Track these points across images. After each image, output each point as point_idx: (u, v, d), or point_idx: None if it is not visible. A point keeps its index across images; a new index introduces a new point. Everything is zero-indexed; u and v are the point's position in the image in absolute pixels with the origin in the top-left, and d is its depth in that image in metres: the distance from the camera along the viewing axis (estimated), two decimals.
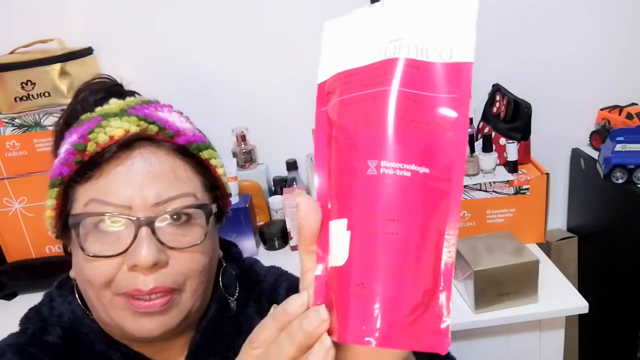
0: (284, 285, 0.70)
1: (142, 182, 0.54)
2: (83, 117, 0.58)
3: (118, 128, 0.54)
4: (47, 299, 0.62)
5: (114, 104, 0.58)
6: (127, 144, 0.55)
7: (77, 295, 0.60)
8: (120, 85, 0.65)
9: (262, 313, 0.65)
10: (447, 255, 0.34)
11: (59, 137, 0.60)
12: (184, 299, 0.56)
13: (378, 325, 0.32)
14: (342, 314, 0.34)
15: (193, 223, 0.57)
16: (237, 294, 0.66)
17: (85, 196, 0.54)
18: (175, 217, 0.55)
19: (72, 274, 0.60)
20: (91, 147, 0.54)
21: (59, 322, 0.59)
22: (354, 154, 0.35)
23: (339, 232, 0.35)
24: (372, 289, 0.33)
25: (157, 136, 0.57)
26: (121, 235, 0.54)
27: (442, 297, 0.34)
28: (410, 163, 0.34)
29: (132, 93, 0.65)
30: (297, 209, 0.37)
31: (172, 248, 0.55)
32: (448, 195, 0.34)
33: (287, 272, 0.73)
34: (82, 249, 0.53)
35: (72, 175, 0.55)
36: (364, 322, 0.33)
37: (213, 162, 0.63)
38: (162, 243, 0.54)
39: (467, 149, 0.38)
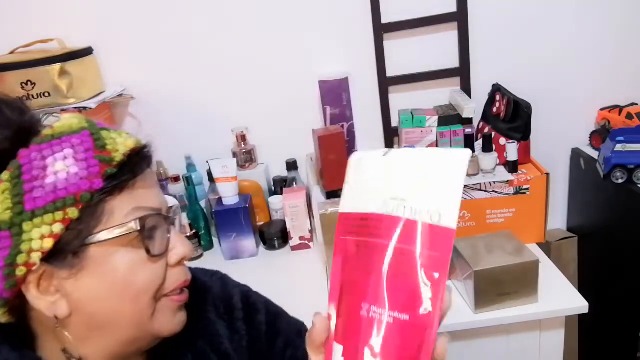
0: (237, 292, 0.74)
1: (157, 187, 0.59)
2: (47, 133, 0.53)
3: (127, 138, 0.55)
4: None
5: (75, 118, 0.55)
6: (139, 153, 0.57)
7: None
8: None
9: (224, 316, 0.70)
10: None
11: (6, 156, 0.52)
12: None
13: None
14: None
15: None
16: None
17: (124, 206, 0.54)
18: None
19: (65, 312, 0.53)
20: (118, 158, 0.53)
21: None
22: (354, 293, 0.45)
23: (337, 354, 0.45)
24: None
25: (145, 149, 0.58)
26: (159, 236, 0.57)
27: None
28: (394, 310, 0.42)
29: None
30: (313, 325, 0.46)
31: None
32: (422, 337, 0.41)
33: (225, 275, 0.77)
34: (148, 251, 0.55)
35: (103, 189, 0.52)
36: None
37: None
38: None
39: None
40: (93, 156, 0.52)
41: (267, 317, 0.73)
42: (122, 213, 0.53)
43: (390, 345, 0.42)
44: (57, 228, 0.50)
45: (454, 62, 1.47)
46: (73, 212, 0.50)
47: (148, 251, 0.54)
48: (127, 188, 0.54)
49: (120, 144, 0.54)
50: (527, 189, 1.20)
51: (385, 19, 1.42)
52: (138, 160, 0.55)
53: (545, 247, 1.36)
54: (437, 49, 1.46)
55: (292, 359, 0.71)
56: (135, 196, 0.54)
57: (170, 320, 0.59)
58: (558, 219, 1.64)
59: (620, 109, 1.43)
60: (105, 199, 0.52)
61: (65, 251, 0.51)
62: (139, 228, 0.53)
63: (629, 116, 1.38)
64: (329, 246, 1.15)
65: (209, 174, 1.45)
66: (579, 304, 1.05)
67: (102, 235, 0.52)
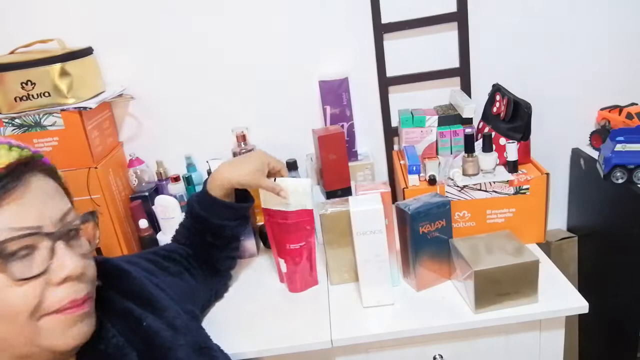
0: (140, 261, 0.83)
1: (44, 202, 0.56)
2: None
3: (2, 156, 0.54)
4: None
5: None
6: (16, 169, 0.55)
7: None
8: None
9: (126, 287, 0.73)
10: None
11: None
12: (93, 303, 0.62)
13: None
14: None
15: (82, 232, 0.61)
16: None
17: None
18: (74, 229, 0.59)
19: None
20: None
21: None
22: (282, 242, 1.19)
23: (282, 265, 1.24)
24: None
25: (33, 161, 0.58)
26: (36, 256, 0.54)
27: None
28: (296, 244, 1.17)
29: None
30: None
31: (83, 255, 0.59)
32: (308, 253, 1.19)
33: (111, 258, 0.80)
34: (14, 276, 0.52)
35: None
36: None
37: (63, 180, 0.66)
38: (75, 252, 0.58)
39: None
40: None
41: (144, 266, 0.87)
42: None
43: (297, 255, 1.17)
44: None
45: (454, 62, 1.47)
46: None
47: (13, 276, 0.52)
48: None
49: None
50: (527, 189, 1.20)
51: (385, 19, 1.42)
52: (11, 178, 0.53)
53: (545, 247, 1.36)
54: (437, 49, 1.46)
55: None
56: (9, 215, 0.53)
57: (61, 335, 0.56)
58: (558, 219, 1.64)
59: (620, 109, 1.43)
60: None
61: None
62: None
63: (629, 116, 1.38)
64: (329, 246, 1.15)
65: (209, 174, 1.45)
66: (579, 304, 1.05)
67: None
